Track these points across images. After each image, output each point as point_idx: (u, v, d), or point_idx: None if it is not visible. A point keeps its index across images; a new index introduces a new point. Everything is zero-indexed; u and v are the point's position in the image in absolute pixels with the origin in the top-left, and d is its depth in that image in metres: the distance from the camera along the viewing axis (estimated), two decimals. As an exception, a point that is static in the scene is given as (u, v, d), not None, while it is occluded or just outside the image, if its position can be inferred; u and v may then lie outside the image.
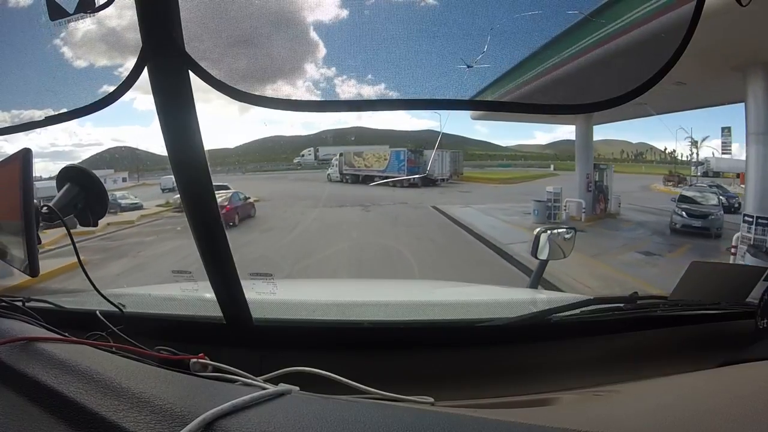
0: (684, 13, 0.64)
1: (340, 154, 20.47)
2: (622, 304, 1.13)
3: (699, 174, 17.40)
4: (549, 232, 1.66)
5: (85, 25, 0.75)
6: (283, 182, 19.59)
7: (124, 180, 18.64)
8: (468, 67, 0.68)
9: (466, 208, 13.66)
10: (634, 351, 1.06)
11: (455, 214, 12.60)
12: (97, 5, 0.72)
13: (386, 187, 17.53)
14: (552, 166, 24.08)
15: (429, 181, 18.37)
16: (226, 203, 11.87)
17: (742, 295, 1.13)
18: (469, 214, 12.66)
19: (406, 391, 0.79)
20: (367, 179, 18.96)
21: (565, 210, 12.10)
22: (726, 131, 15.28)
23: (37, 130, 0.83)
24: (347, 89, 0.72)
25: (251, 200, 13.26)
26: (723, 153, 15.79)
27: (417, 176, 17.82)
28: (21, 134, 0.85)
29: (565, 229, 1.72)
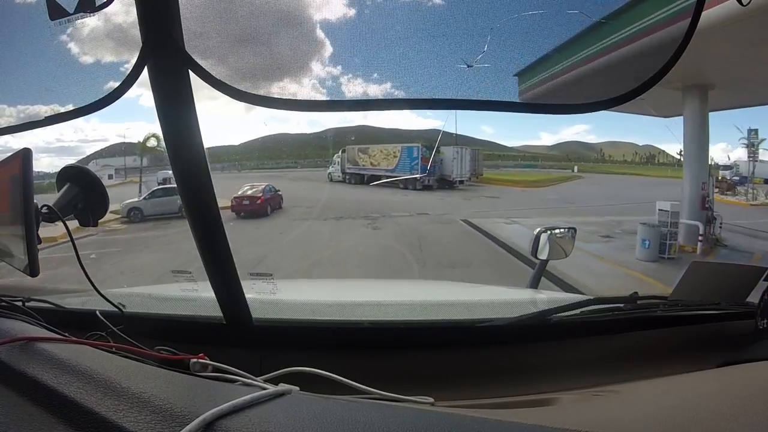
0: (682, 24, 0.66)
1: (343, 151, 18.79)
2: (622, 305, 1.13)
3: (729, 178, 15.93)
4: (549, 232, 1.67)
5: (85, 24, 0.75)
6: (281, 182, 17.01)
7: (110, 177, 17.46)
8: (468, 66, 0.68)
9: (512, 225, 10.10)
10: (634, 351, 1.06)
11: (507, 238, 8.73)
12: (96, 5, 0.72)
13: (395, 190, 15.47)
14: (575, 168, 22.76)
15: (445, 183, 16.40)
16: (260, 194, 12.87)
17: (742, 295, 1.13)
18: (523, 236, 8.40)
19: (406, 391, 0.79)
20: (373, 179, 16.80)
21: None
22: (753, 133, 14.59)
23: (42, 126, 0.83)
24: (351, 89, 0.72)
25: (280, 192, 14.01)
26: (748, 157, 15.11)
27: (432, 177, 15.85)
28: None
29: (561, 230, 1.72)
